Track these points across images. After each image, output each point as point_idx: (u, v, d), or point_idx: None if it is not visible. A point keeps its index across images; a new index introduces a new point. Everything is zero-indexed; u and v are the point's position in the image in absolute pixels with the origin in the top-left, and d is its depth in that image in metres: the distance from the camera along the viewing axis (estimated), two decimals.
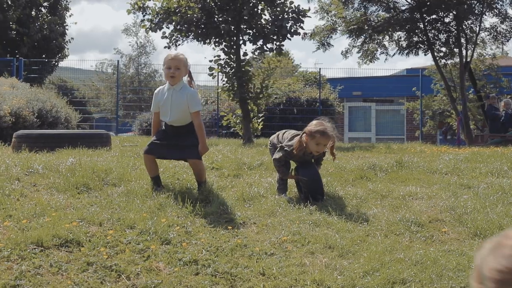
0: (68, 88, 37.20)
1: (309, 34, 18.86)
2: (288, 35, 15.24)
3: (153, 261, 4.45)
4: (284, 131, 6.80)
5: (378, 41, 18.96)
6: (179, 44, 16.42)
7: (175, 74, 6.28)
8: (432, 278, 4.31)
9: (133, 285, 4.12)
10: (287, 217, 5.59)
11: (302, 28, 15.30)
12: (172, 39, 15.95)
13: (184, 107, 6.31)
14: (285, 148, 6.35)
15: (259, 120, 16.41)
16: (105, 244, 4.68)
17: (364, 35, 18.29)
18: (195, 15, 15.32)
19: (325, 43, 18.93)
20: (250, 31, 15.63)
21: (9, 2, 27.68)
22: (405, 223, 5.47)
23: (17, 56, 25.85)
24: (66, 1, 30.60)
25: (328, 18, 18.52)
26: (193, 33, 15.70)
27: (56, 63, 30.51)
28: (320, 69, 24.99)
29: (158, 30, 15.62)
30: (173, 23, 15.31)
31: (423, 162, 8.40)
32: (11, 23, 26.90)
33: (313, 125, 6.24)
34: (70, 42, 30.52)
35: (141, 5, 15.46)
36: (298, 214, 5.68)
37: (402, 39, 18.67)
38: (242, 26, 15.63)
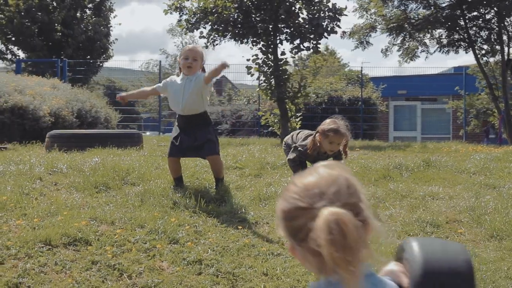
0: (116, 89, 37.71)
1: (348, 33, 18.70)
2: (325, 34, 15.18)
3: (157, 260, 4.46)
4: (298, 131, 6.78)
5: (419, 39, 18.67)
6: (216, 44, 16.48)
7: (192, 64, 6.28)
8: None
9: (134, 284, 4.12)
10: None
11: (338, 26, 15.20)
12: (210, 38, 16.01)
13: (197, 91, 6.23)
14: (299, 148, 6.33)
15: (297, 120, 16.33)
16: (112, 243, 4.70)
17: (404, 33, 18.04)
18: (231, 15, 15.37)
19: (364, 42, 18.76)
20: (288, 30, 15.59)
21: (54, 4, 28.17)
22: (420, 223, 5.37)
23: (62, 57, 26.32)
24: (111, 2, 31.00)
25: (367, 17, 18.33)
26: (230, 33, 15.74)
27: (101, 64, 30.92)
28: (362, 67, 24.72)
29: (195, 30, 15.72)
30: (210, 23, 15.37)
31: (452, 162, 8.24)
32: (56, 24, 27.34)
33: (326, 124, 6.19)
34: (114, 42, 30.92)
35: (178, 5, 15.55)
36: None
37: (443, 36, 18.35)
38: (279, 25, 15.60)
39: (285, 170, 7.54)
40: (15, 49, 28.54)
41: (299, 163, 6.38)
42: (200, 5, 15.41)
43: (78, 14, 29.17)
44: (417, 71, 35.55)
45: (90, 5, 29.93)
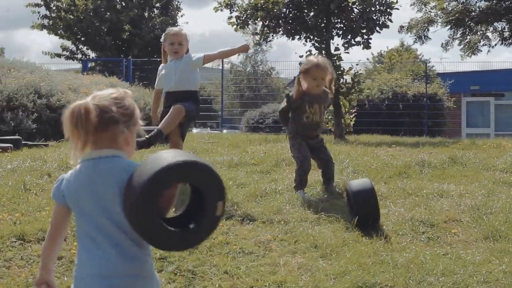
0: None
1: (406, 27, 18.22)
2: (377, 28, 14.83)
3: None
4: None
5: (481, 32, 18.02)
6: (269, 40, 16.37)
7: (178, 49, 6.24)
8: (408, 283, 3.99)
9: None
10: (292, 215, 5.38)
11: (390, 20, 14.79)
12: (263, 35, 15.91)
13: (187, 70, 6.22)
14: (287, 93, 6.44)
15: (351, 116, 16.03)
16: None
17: (464, 26, 17.45)
18: (283, 10, 15.22)
19: (422, 36, 18.24)
20: (340, 25, 15.32)
21: (123, 4, 28.67)
22: (413, 222, 5.12)
23: (129, 56, 26.76)
24: (178, 2, 31.30)
25: (425, 10, 17.80)
26: (282, 29, 15.59)
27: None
28: (426, 63, 24.08)
29: (245, 26, 15.66)
30: (262, 19, 15.26)
31: (480, 159, 7.85)
32: (124, 24, 27.80)
33: (306, 62, 6.29)
34: None
35: (229, 2, 15.50)
36: (304, 212, 5.45)
37: (506, 29, 17.65)
38: (332, 20, 15.36)
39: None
40: (84, 48, 29.19)
41: (287, 116, 6.34)
42: (251, 2, 15.32)
43: (146, 14, 29.56)
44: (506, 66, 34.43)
45: (157, 4, 30.28)
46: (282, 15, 15.29)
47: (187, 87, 6.30)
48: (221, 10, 15.62)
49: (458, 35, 17.97)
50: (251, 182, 6.47)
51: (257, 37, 16.10)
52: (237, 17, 15.52)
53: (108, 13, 27.85)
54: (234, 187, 6.22)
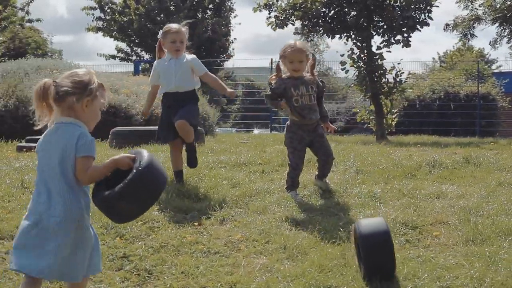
0: (255, 87, 38.11)
1: (451, 25, 17.78)
2: (418, 26, 14.54)
3: None
4: None
5: None
6: (310, 40, 16.25)
7: (179, 48, 6.23)
8: (363, 286, 3.86)
9: None
10: (274, 215, 5.29)
11: (430, 18, 14.48)
12: (303, 34, 15.81)
13: (188, 71, 6.26)
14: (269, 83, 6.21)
15: (393, 116, 15.73)
16: None
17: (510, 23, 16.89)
18: (322, 9, 15.08)
19: (468, 34, 17.75)
20: (380, 24, 15.07)
21: (175, 6, 28.99)
22: (395, 224, 4.94)
23: None
24: (231, 3, 31.49)
25: (471, 7, 17.32)
26: (322, 28, 15.44)
27: (221, 63, 31.42)
28: (478, 62, 23.48)
29: (284, 26, 15.56)
30: (299, 19, 15.16)
31: (497, 159, 7.58)
32: None
33: (283, 47, 6.02)
34: (233, 42, 31.35)
35: (267, 2, 15.44)
36: (289, 213, 5.35)
37: None
38: (375, 18, 15.13)
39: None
40: (138, 50, 29.65)
41: (275, 102, 6.03)
42: (290, 1, 15.23)
43: (199, 15, 29.83)
44: None
45: (210, 6, 30.51)
46: (321, 14, 15.17)
47: (187, 88, 6.34)
48: (260, 10, 15.59)
49: (506, 33, 17.40)
50: (246, 182, 6.40)
51: (298, 37, 15.98)
52: (276, 17, 15.47)
53: (161, 15, 28.17)
54: (228, 187, 6.17)
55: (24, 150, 9.34)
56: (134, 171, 3.11)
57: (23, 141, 10.69)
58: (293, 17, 15.13)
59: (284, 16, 15.32)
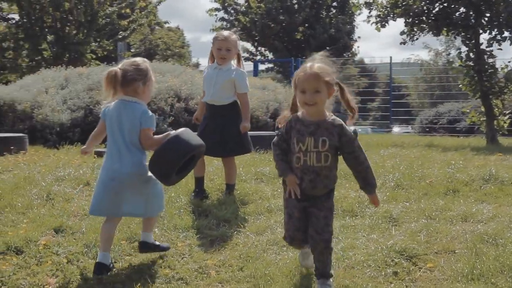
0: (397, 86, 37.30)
1: None
2: None
3: (46, 275, 4.30)
4: None
5: None
6: (416, 39, 15.53)
7: (225, 56, 6.11)
8: None
9: None
10: (272, 236, 4.98)
11: None
12: (409, 34, 15.16)
13: (227, 85, 6.11)
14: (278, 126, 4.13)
15: (505, 118, 14.72)
16: (34, 255, 4.62)
17: None
18: (425, 7, 14.37)
19: None
20: (487, 20, 14.16)
21: (298, 4, 28.80)
22: (389, 252, 4.50)
23: (303, 57, 26.75)
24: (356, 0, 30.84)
25: None
26: (427, 26, 14.73)
27: (345, 63, 30.88)
28: None
29: (386, 25, 14.99)
30: (400, 17, 14.54)
31: None
32: (298, 25, 27.94)
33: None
34: (356, 40, 30.70)
35: (367, 0, 14.91)
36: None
37: None
38: (485, 15, 14.24)
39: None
40: (262, 50, 29.77)
41: (282, 153, 3.96)
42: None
43: (323, 13, 29.47)
44: None
45: (334, 4, 30.08)
46: (425, 11, 14.47)
47: (223, 102, 6.19)
48: (360, 9, 15.13)
49: None
50: (267, 197, 6.12)
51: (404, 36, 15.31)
52: (377, 16, 14.94)
53: (285, 15, 28.09)
54: (239, 203, 5.91)
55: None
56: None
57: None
58: (393, 15, 14.56)
59: (384, 14, 14.76)
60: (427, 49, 43.91)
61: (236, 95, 6.20)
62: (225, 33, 6.24)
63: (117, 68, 4.23)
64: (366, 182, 3.94)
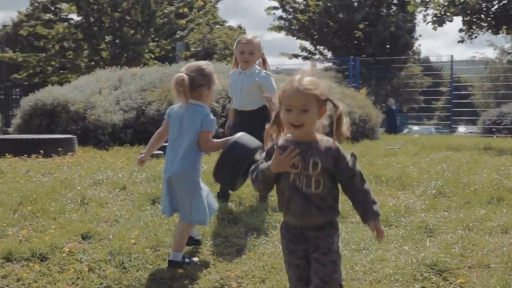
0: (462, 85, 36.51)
1: None
2: None
3: (65, 284, 4.26)
4: None
5: None
6: (475, 37, 15.11)
7: (248, 59, 6.06)
8: None
9: None
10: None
11: None
12: (468, 32, 14.78)
13: (252, 89, 6.06)
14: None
15: None
16: (58, 262, 4.59)
17: None
18: (484, 4, 13.96)
19: None
20: None
21: (358, 2, 28.41)
22: (418, 266, 4.30)
23: (363, 55, 26.41)
24: None
25: None
26: (486, 24, 14.31)
27: (405, 62, 30.30)
28: None
29: (443, 23, 14.62)
30: (456, 15, 14.16)
31: None
32: (357, 23, 27.55)
33: None
34: (417, 38, 30.09)
35: None
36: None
37: None
38: None
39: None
40: (321, 48, 29.47)
41: (262, 176, 3.19)
42: None
43: (384, 11, 28.99)
44: None
45: (394, 1, 29.56)
46: (483, 9, 14.05)
47: (251, 107, 6.13)
48: (416, 7, 14.78)
49: None
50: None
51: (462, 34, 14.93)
52: (434, 15, 14.59)
53: (344, 13, 27.76)
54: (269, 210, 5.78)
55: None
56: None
57: None
58: (449, 14, 14.20)
59: (442, 12, 14.40)
60: (492, 46, 42.73)
61: (264, 99, 6.07)
62: (248, 36, 6.22)
63: (183, 74, 4.35)
64: (364, 207, 3.20)
